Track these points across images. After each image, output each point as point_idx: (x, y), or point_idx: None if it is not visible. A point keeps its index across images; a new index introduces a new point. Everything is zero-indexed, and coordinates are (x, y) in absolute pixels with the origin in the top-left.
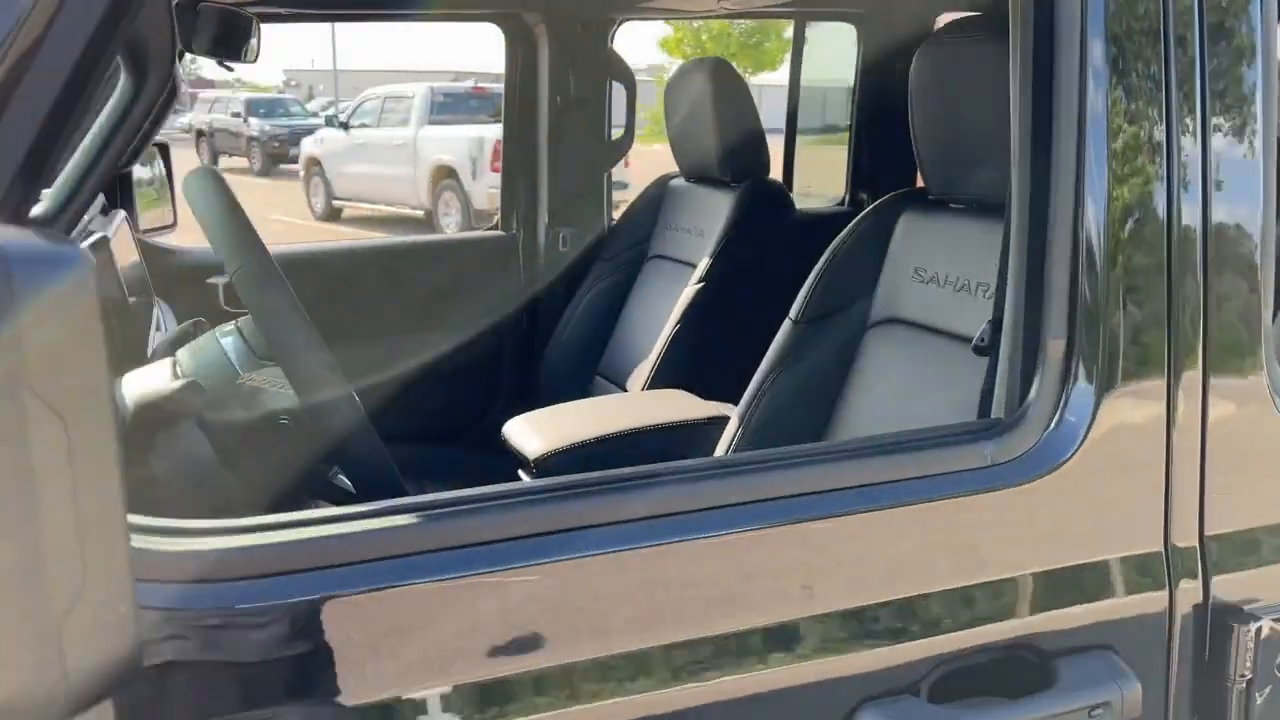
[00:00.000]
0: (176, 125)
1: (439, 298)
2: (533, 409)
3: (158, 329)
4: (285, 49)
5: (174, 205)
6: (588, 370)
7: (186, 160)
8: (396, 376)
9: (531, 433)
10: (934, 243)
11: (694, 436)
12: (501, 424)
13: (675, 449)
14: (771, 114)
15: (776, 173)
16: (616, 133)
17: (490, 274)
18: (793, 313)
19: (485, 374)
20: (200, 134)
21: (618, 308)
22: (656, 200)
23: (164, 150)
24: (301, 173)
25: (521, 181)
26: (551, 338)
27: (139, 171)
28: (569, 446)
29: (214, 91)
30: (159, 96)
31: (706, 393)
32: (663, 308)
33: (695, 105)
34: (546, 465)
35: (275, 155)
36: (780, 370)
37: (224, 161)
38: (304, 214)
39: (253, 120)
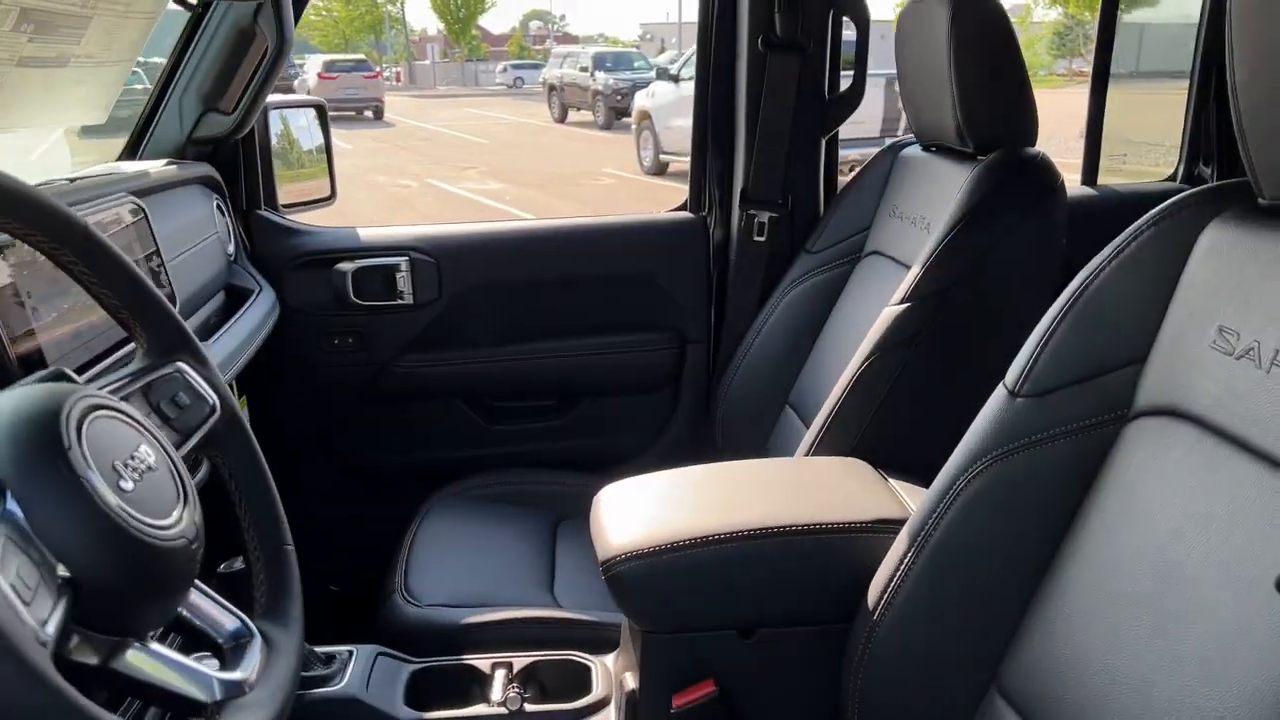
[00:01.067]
0: (536, 80)
1: (610, 290)
2: (713, 439)
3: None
4: (646, 2)
5: (332, 175)
6: (777, 396)
7: (539, 114)
8: (555, 386)
9: (622, 513)
10: (1271, 291)
11: (845, 547)
12: (676, 451)
13: (813, 561)
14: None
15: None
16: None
17: (672, 263)
18: (1008, 379)
19: (660, 389)
20: (551, 88)
21: (821, 319)
22: (883, 176)
23: (320, 111)
24: (633, 126)
25: (715, 150)
26: (739, 348)
27: (307, 136)
28: (652, 550)
29: (568, 46)
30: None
31: (900, 462)
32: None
33: (928, 43)
34: (615, 574)
35: (617, 109)
36: (989, 458)
37: (571, 115)
38: (635, 168)
39: (598, 74)
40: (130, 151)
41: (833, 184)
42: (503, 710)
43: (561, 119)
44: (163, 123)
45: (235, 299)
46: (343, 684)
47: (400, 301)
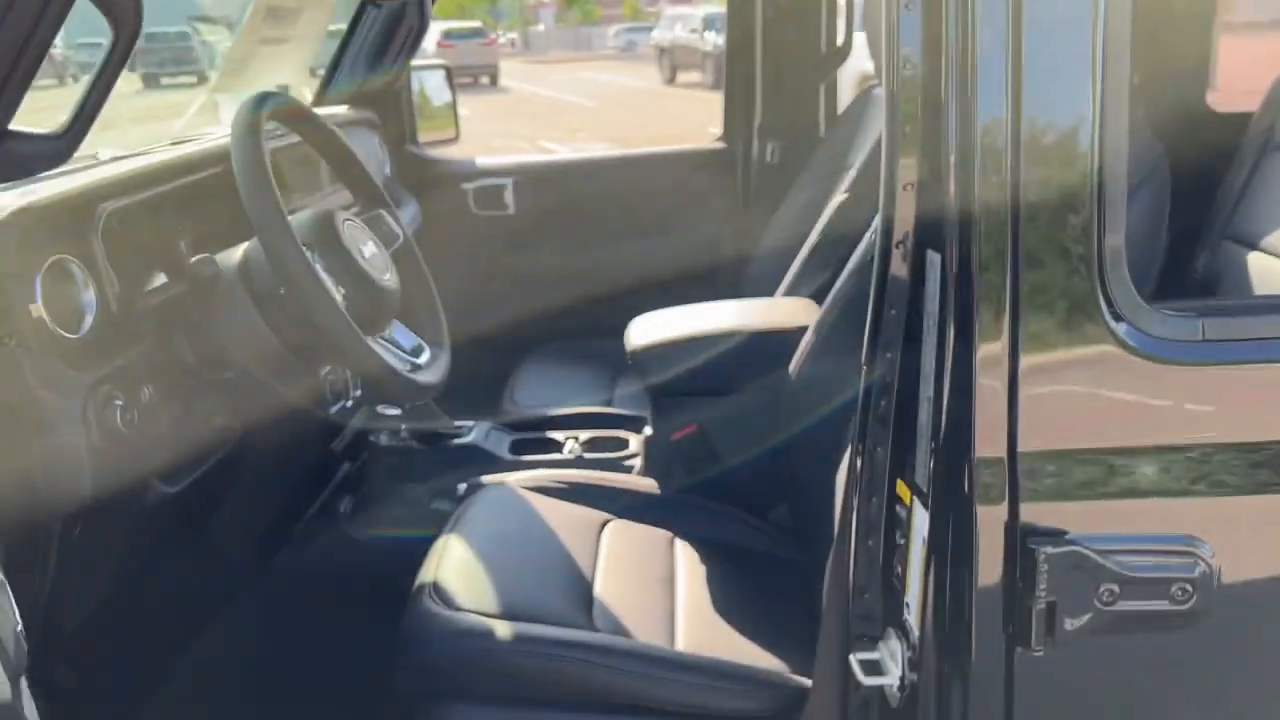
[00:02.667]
0: (648, 43)
1: (657, 210)
2: None
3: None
4: None
5: (456, 122)
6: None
7: (649, 76)
8: (607, 290)
9: (643, 328)
10: None
11: (774, 345)
12: None
13: (757, 352)
14: None
15: None
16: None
17: (708, 187)
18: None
19: (700, 289)
20: (662, 50)
21: (813, 219)
22: (859, 112)
23: (449, 74)
24: None
25: (740, 91)
26: (755, 250)
27: (438, 92)
28: (659, 343)
29: (681, 8)
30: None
31: None
32: None
33: None
34: (639, 359)
35: None
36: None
37: (681, 75)
38: None
39: (708, 34)
40: (316, 101)
41: (833, 119)
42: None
43: (671, 80)
44: (338, 80)
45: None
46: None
47: (506, 212)
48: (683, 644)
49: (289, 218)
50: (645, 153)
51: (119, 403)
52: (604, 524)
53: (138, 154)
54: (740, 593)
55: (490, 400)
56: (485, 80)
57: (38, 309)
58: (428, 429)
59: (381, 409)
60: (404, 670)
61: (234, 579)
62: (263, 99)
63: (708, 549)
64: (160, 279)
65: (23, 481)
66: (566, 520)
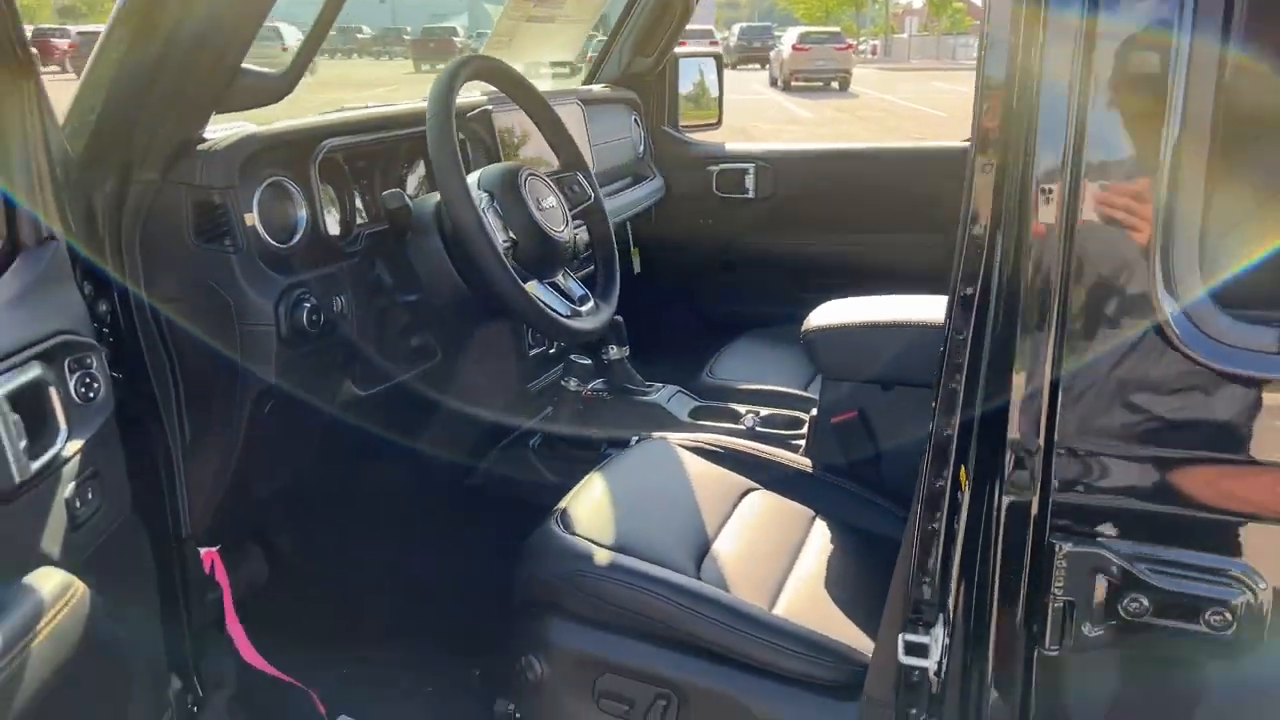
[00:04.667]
0: None
1: (893, 205)
2: None
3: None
4: None
5: (720, 110)
6: None
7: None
8: (833, 279)
9: (822, 311)
10: None
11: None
12: None
13: (924, 346)
14: None
15: None
16: None
17: (949, 187)
18: None
19: (922, 286)
20: None
21: None
22: None
23: (719, 62)
24: None
25: None
26: None
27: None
28: (831, 327)
29: None
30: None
31: None
32: None
33: None
34: (810, 341)
35: None
36: None
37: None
38: None
39: None
40: (587, 80)
41: None
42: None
43: None
44: (608, 62)
45: (638, 180)
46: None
47: (745, 195)
48: (778, 609)
49: (489, 168)
50: (889, 147)
51: (308, 305)
52: (748, 491)
53: (369, 108)
54: (855, 574)
55: (691, 370)
56: (835, 85)
57: (252, 218)
58: (620, 384)
59: (577, 358)
60: (518, 582)
61: (423, 487)
62: (467, 60)
63: (841, 530)
64: (367, 212)
65: (222, 357)
66: (711, 480)
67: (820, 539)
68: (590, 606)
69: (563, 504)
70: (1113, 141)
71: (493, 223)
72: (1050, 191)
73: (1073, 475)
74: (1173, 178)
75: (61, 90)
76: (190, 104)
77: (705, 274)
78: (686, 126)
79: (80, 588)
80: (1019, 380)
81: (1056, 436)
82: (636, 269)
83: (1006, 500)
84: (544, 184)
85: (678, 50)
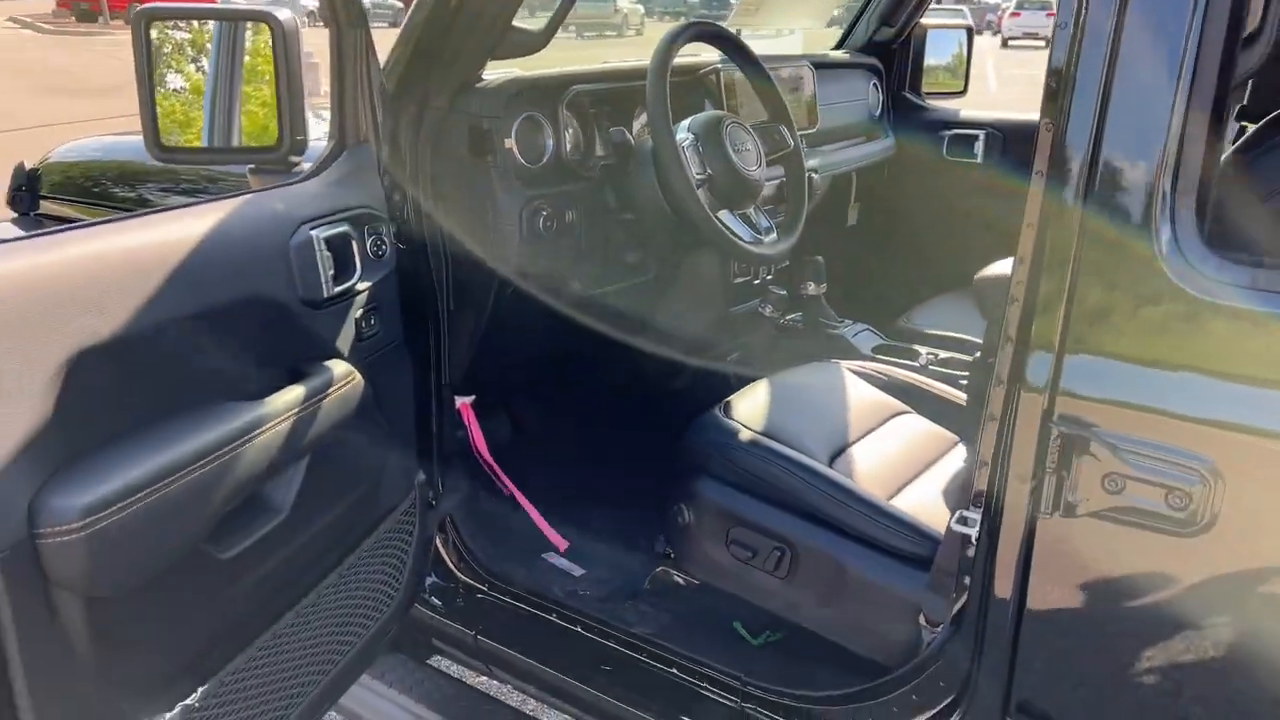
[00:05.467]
0: None
1: None
2: None
3: None
4: None
5: (966, 80)
6: None
7: None
8: None
9: (998, 264)
10: None
11: None
12: None
13: None
14: None
15: None
16: None
17: None
18: None
19: None
20: None
21: None
22: None
23: (969, 34)
24: None
25: None
26: None
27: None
28: (992, 277)
29: None
30: None
31: None
32: None
33: None
34: (977, 289)
35: None
36: None
37: None
38: None
39: None
40: (839, 44)
41: None
42: None
43: None
44: (855, 30)
45: (869, 138)
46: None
47: (973, 161)
48: (891, 500)
49: (700, 114)
50: None
51: (544, 214)
52: (899, 413)
53: (610, 64)
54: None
55: (888, 317)
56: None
57: (510, 142)
58: (813, 318)
59: (775, 289)
60: (682, 447)
61: (638, 380)
62: (691, 24)
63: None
64: (603, 146)
65: (476, 249)
66: (866, 399)
67: (954, 461)
68: (731, 472)
69: (731, 397)
70: None
71: (691, 159)
72: None
73: (1076, 376)
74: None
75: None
76: (472, 52)
77: (922, 233)
78: (930, 93)
79: (358, 376)
80: (1038, 296)
81: (1067, 343)
82: (852, 221)
83: (1024, 394)
84: (744, 131)
85: (928, 22)
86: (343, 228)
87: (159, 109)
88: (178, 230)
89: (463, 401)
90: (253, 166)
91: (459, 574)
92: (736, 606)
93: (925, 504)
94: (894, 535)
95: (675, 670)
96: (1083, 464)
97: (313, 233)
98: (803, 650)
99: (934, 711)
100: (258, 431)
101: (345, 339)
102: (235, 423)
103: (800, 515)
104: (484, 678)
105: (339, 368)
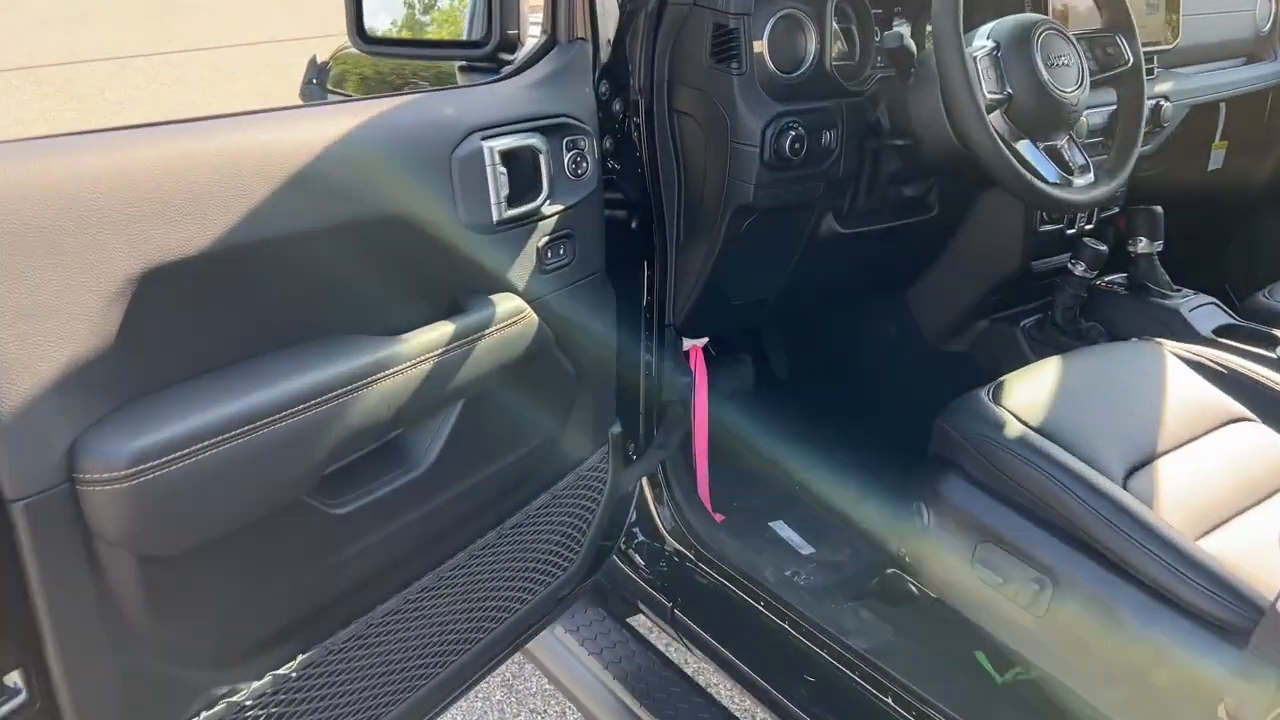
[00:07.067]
0: None
1: None
2: None
3: None
4: None
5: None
6: None
7: None
8: None
9: None
10: None
11: None
12: None
13: None
14: None
15: None
16: None
17: None
18: None
19: None
20: None
21: None
22: None
23: None
24: None
25: None
26: None
27: None
28: None
29: None
30: None
31: None
32: None
33: None
34: None
35: None
36: None
37: None
38: None
39: None
40: None
41: None
42: None
43: None
44: None
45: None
46: None
47: None
48: (1204, 542)
49: (1006, 17)
50: None
51: (793, 134)
52: (1236, 419)
53: None
54: None
55: (1243, 288)
56: None
57: (760, 45)
58: (1140, 281)
59: (1091, 243)
60: (933, 432)
61: (904, 336)
62: None
63: None
64: (881, 55)
65: (713, 169)
66: (1194, 396)
67: None
68: (989, 474)
69: (1006, 376)
70: None
71: (987, 73)
72: None
73: None
74: None
75: None
76: None
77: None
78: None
79: (530, 315)
80: None
81: None
82: (1216, 164)
83: None
84: (1064, 41)
85: None
86: (530, 139)
87: None
88: (310, 130)
89: (693, 344)
90: (462, 64)
91: (667, 536)
92: (979, 630)
93: (1251, 552)
94: (1196, 591)
95: (891, 700)
96: None
97: (485, 143)
98: (1060, 698)
99: None
100: (384, 373)
101: (521, 270)
102: (354, 363)
103: (1071, 543)
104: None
105: (506, 304)
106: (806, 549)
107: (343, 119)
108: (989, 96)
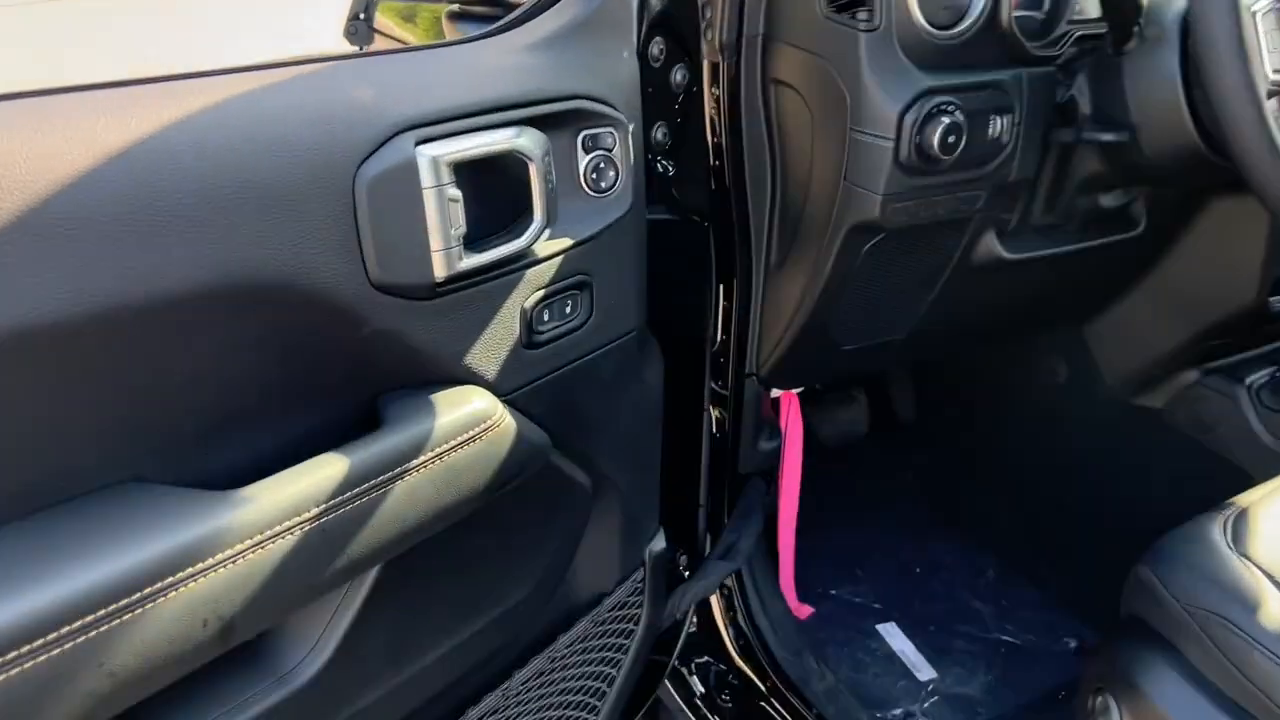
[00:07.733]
0: None
1: None
2: None
3: None
4: None
5: None
6: None
7: None
8: None
9: None
10: None
11: None
12: None
13: None
14: None
15: None
16: None
17: None
18: None
19: None
20: None
21: None
22: None
23: None
24: None
25: None
26: None
27: None
28: None
29: None
30: None
31: None
32: None
33: None
34: None
35: None
36: None
37: None
38: None
39: None
40: None
41: None
42: None
43: None
44: None
45: None
46: None
47: None
48: None
49: None
50: None
51: (947, 121)
52: None
53: None
54: None
55: None
56: None
57: None
58: None
59: None
60: (1131, 583)
61: (1079, 392)
62: None
63: None
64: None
65: (821, 175)
66: None
67: None
68: (1227, 677)
69: (1249, 495)
70: None
71: (1269, 38)
72: None
73: None
74: None
75: None
76: None
77: None
78: None
79: (504, 420)
80: None
81: None
82: None
83: None
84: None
85: None
86: (515, 140)
87: None
88: (84, 132)
89: (788, 393)
90: (454, 7)
91: (737, 660)
92: None
93: None
94: None
95: None
96: None
97: (422, 150)
98: None
99: None
100: (211, 561)
101: (495, 346)
102: (153, 546)
103: None
104: None
105: (461, 406)
106: (926, 671)
107: (151, 109)
108: (1272, 77)
